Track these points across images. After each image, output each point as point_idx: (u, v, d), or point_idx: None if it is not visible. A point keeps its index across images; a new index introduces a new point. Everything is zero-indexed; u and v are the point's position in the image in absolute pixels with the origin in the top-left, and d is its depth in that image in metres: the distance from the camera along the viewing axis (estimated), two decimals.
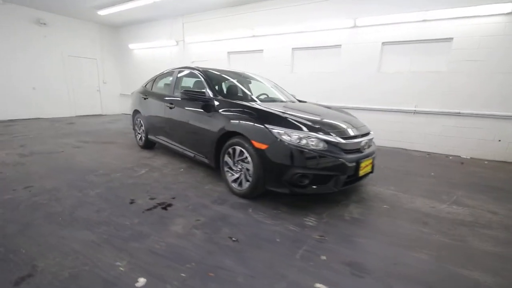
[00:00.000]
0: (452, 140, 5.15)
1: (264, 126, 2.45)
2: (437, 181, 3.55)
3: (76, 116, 9.24)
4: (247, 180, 2.65)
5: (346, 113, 3.38)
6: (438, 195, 3.06)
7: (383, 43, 5.59)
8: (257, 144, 2.45)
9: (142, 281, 1.53)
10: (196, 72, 3.63)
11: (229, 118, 2.80)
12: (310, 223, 2.30)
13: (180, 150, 3.72)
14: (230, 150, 2.77)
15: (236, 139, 2.68)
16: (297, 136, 2.36)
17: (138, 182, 3.13)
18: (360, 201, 2.81)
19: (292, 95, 4.12)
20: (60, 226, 2.09)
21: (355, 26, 5.78)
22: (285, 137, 2.36)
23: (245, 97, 3.47)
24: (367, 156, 2.67)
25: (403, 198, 2.93)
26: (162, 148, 4.79)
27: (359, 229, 2.24)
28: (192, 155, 3.47)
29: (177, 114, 3.63)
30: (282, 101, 3.60)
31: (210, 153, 3.11)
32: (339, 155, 2.40)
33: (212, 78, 3.48)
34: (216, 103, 3.05)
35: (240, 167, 2.72)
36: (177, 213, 2.38)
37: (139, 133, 4.84)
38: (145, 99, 4.51)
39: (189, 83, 3.92)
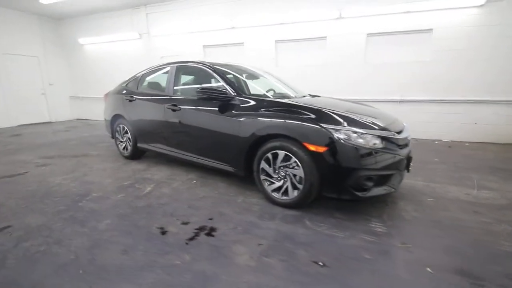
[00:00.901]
0: (436, 126, 5.51)
1: (320, 125, 2.15)
2: (447, 167, 3.69)
3: (19, 126, 7.64)
4: (295, 188, 2.33)
5: (370, 106, 3.26)
6: (460, 181, 3.14)
7: (369, 34, 5.68)
8: (312, 147, 2.14)
9: None
10: (203, 67, 3.13)
11: (267, 118, 2.42)
12: (379, 229, 2.10)
13: (188, 158, 3.20)
14: (270, 155, 2.41)
15: (279, 143, 2.33)
16: (356, 135, 2.12)
17: (153, 203, 2.57)
18: (403, 197, 2.72)
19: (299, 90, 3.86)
20: (89, 283, 1.52)
21: (340, 18, 5.76)
22: (344, 137, 2.09)
23: (259, 94, 3.09)
24: (410, 150, 2.58)
25: (437, 188, 2.93)
26: (153, 157, 4.14)
27: (430, 228, 2.12)
28: (209, 163, 2.99)
29: (184, 117, 3.09)
30: (297, 97, 3.32)
31: (237, 160, 2.70)
32: (396, 151, 2.24)
33: (225, 74, 3.02)
34: (243, 102, 2.64)
35: (283, 173, 2.39)
36: (230, 239, 1.96)
37: (122, 142, 4.09)
38: (130, 101, 3.80)
39: (193, 80, 3.38)
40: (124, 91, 4.00)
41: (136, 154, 4.02)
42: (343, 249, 1.84)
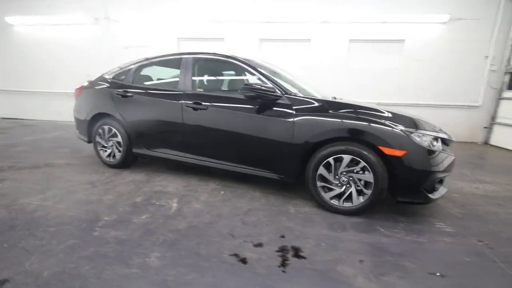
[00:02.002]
0: None
1: (398, 128, 2.06)
2: None
3: None
4: (360, 195, 2.20)
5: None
6: (460, 177, 3.50)
7: (351, 40, 5.97)
8: (389, 151, 2.04)
9: None
10: (233, 60, 2.72)
11: (333, 119, 2.22)
12: (447, 229, 2.13)
13: (213, 166, 2.76)
14: (331, 160, 2.22)
15: (344, 146, 2.16)
16: (429, 137, 2.11)
17: (195, 223, 2.09)
18: None
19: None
20: None
21: (325, 22, 5.91)
22: (421, 140, 2.06)
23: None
24: None
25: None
26: (145, 164, 3.48)
27: (485, 223, 2.26)
28: (246, 171, 2.63)
29: (212, 117, 2.63)
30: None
31: (287, 167, 2.43)
32: (450, 152, 2.33)
33: (263, 69, 2.69)
34: (296, 102, 2.37)
35: (345, 179, 2.23)
36: (324, 259, 1.69)
37: (105, 147, 3.31)
38: (124, 97, 3.09)
39: (218, 75, 2.92)
40: (113, 85, 3.23)
41: (127, 162, 3.30)
42: (440, 255, 1.78)
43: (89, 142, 3.51)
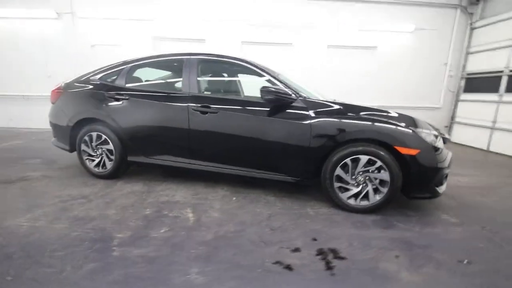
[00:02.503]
0: None
1: (410, 128, 2.20)
2: None
3: None
4: (376, 193, 2.30)
5: None
6: None
7: (329, 46, 6.25)
8: (404, 150, 2.16)
9: None
10: (242, 62, 2.68)
11: (350, 121, 2.29)
12: (453, 220, 2.34)
13: (222, 171, 2.67)
14: (349, 161, 2.29)
15: (361, 147, 2.24)
16: (436, 137, 2.29)
17: (221, 233, 1.98)
18: None
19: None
20: None
21: (305, 27, 6.10)
22: (431, 139, 2.23)
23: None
24: None
25: None
26: (138, 173, 3.22)
27: (483, 212, 2.52)
28: (260, 175, 2.58)
29: (223, 121, 2.53)
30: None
31: (303, 169, 2.44)
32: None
33: (271, 71, 2.67)
34: (311, 104, 2.40)
35: (361, 179, 2.31)
36: (364, 258, 1.73)
37: (93, 156, 2.98)
38: (117, 100, 2.82)
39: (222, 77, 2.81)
40: (101, 87, 2.93)
41: (120, 172, 3.01)
42: (458, 244, 1.95)
43: (71, 151, 3.13)
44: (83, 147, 2.98)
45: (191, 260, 1.64)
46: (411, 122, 2.32)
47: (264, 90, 2.32)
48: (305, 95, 2.51)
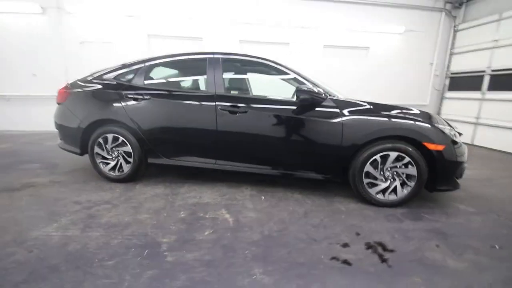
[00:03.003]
0: None
1: (434, 126, 2.33)
2: None
3: None
4: (403, 187, 2.42)
5: None
6: None
7: (325, 46, 6.40)
8: (432, 146, 2.29)
9: None
10: (268, 62, 2.69)
11: (383, 119, 2.39)
12: (471, 209, 2.52)
13: (251, 170, 2.66)
14: (378, 157, 2.38)
15: (390, 144, 2.34)
16: (454, 132, 2.45)
17: (270, 233, 1.97)
18: None
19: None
20: None
21: (302, 27, 6.19)
22: (451, 134, 2.38)
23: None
24: None
25: None
26: (152, 175, 3.11)
27: (493, 202, 2.73)
28: (287, 173, 2.61)
29: (254, 122, 2.52)
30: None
31: (335, 167, 2.51)
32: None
33: (297, 71, 2.70)
34: (342, 104, 2.46)
35: (388, 174, 2.42)
36: (409, 249, 1.82)
37: (107, 159, 2.84)
38: (136, 100, 2.70)
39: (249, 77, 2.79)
40: (118, 86, 2.79)
41: (138, 174, 2.90)
42: (484, 231, 2.12)
43: (81, 154, 2.95)
44: (97, 149, 2.82)
45: (249, 261, 1.63)
46: (431, 118, 2.46)
47: (299, 90, 2.34)
48: (335, 94, 2.57)
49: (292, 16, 6.08)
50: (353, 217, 2.28)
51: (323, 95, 2.44)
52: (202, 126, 2.61)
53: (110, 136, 2.77)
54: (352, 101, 2.52)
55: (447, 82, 6.74)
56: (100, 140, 2.80)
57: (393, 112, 2.44)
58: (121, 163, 2.83)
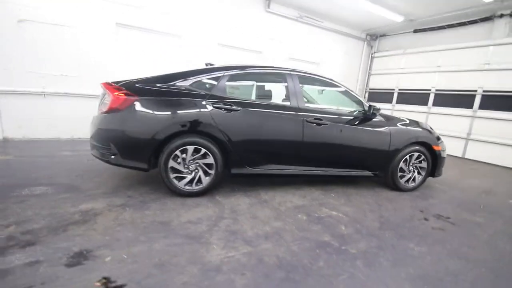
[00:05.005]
0: None
1: (431, 132, 3.50)
2: None
3: None
4: (415, 177, 3.51)
5: None
6: None
7: (290, 58, 7.26)
8: (436, 147, 3.45)
9: None
10: (331, 81, 3.24)
11: (412, 128, 3.39)
12: (454, 189, 3.90)
13: (320, 173, 3.13)
14: (408, 157, 3.37)
15: (417, 147, 3.36)
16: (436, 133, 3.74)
17: (394, 220, 2.56)
18: None
19: None
20: None
21: (272, 39, 6.81)
22: (436, 134, 3.61)
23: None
24: None
25: None
26: (214, 189, 3.08)
27: (468, 191, 4.25)
28: (348, 174, 3.25)
29: (332, 132, 3.01)
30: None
31: (382, 166, 3.32)
32: None
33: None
34: (386, 117, 3.29)
35: (411, 168, 3.46)
36: (452, 214, 2.84)
37: (182, 172, 2.64)
38: (228, 110, 2.65)
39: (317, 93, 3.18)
40: (203, 95, 2.63)
41: (210, 187, 2.81)
42: (469, 199, 3.42)
43: (148, 170, 2.58)
44: (172, 163, 2.57)
45: (399, 238, 2.20)
46: (423, 125, 3.64)
47: (372, 108, 3.03)
48: (378, 108, 3.36)
49: (260, 26, 6.53)
50: (402, 201, 3.15)
51: (367, 110, 3.21)
52: (290, 137, 2.87)
53: (190, 148, 2.59)
54: (392, 115, 3.41)
55: (367, 95, 8.97)
56: (178, 152, 2.56)
57: (401, 123, 3.47)
58: (199, 176, 2.68)
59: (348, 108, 3.32)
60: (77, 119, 4.92)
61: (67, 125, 4.90)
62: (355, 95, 3.31)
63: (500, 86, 5.67)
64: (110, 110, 2.48)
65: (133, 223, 2.12)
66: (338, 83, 3.33)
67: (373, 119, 3.22)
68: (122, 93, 2.49)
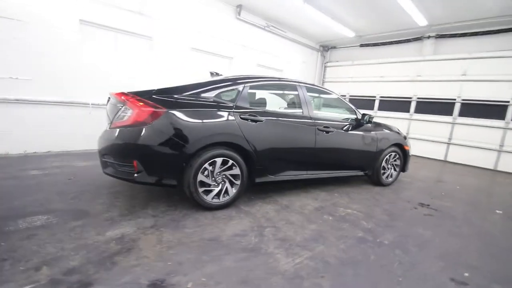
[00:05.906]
0: None
1: (402, 134, 4.20)
2: None
3: None
4: (392, 173, 4.17)
5: None
6: None
7: (258, 65, 7.51)
8: (406, 147, 4.15)
9: None
10: (334, 94, 3.55)
11: (391, 132, 3.97)
12: (419, 182, 4.71)
13: (324, 175, 3.45)
14: (388, 156, 3.97)
15: (394, 148, 3.99)
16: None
17: (404, 213, 2.98)
18: None
19: None
20: None
21: (244, 46, 6.96)
22: (404, 135, 4.36)
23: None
24: None
25: None
26: (252, 196, 3.11)
27: (438, 186, 5.11)
28: (346, 174, 3.65)
29: (336, 139, 3.35)
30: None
31: (371, 166, 3.83)
32: None
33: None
34: (372, 123, 3.80)
35: (389, 166, 4.09)
36: (437, 204, 3.50)
37: (211, 186, 2.60)
38: (254, 121, 2.70)
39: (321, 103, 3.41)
40: (229, 106, 2.61)
41: (239, 196, 2.82)
42: (429, 187, 4.22)
43: (177, 186, 2.43)
44: (201, 177, 2.49)
45: (413, 224, 2.64)
46: (394, 129, 4.35)
47: (368, 116, 3.48)
48: (372, 116, 3.85)
49: (231, 32, 6.63)
50: (391, 194, 3.71)
51: (361, 118, 3.69)
52: (306, 144, 3.08)
53: (219, 160, 2.56)
54: (378, 122, 3.95)
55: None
56: (207, 165, 2.50)
57: (384, 128, 4.09)
58: (226, 188, 2.66)
59: (345, 115, 3.73)
60: (30, 131, 4.15)
61: (19, 138, 4.06)
62: (348, 103, 3.74)
63: (427, 93, 7.10)
64: (134, 124, 2.26)
65: (182, 244, 2.00)
66: (334, 92, 3.70)
67: (365, 125, 3.69)
68: (149, 105, 2.29)
